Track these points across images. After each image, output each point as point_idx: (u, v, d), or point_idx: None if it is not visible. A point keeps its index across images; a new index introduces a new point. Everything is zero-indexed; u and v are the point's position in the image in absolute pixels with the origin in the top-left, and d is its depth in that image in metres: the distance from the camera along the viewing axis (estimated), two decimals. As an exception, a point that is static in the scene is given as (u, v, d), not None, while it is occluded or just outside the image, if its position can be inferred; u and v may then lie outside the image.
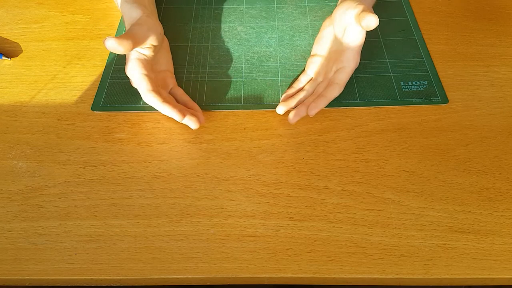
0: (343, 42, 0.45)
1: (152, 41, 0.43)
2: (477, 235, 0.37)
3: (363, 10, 0.40)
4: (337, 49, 0.46)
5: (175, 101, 0.44)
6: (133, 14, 0.44)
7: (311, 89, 0.46)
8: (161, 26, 0.46)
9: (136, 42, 0.41)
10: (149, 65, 0.44)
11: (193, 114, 0.43)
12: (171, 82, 0.47)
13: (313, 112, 0.43)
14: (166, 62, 0.48)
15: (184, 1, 0.59)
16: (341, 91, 0.45)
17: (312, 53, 0.49)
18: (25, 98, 0.48)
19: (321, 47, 0.48)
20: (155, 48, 0.44)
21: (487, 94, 0.47)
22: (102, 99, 0.48)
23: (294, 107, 0.45)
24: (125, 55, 0.45)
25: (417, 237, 0.37)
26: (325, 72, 0.46)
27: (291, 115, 0.44)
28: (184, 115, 0.42)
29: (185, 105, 0.45)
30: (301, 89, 0.47)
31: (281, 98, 0.46)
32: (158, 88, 0.44)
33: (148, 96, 0.42)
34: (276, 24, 0.55)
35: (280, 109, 0.45)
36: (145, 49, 0.43)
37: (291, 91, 0.47)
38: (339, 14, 0.44)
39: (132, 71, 0.43)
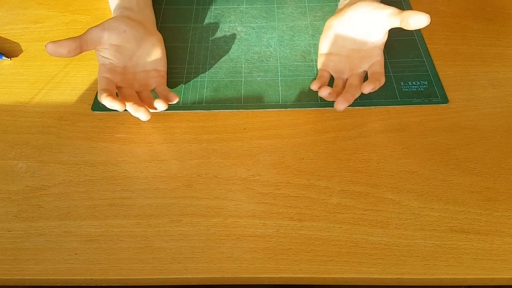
0: (367, 41, 0.45)
1: (109, 40, 0.43)
2: (477, 235, 0.37)
3: (400, 11, 0.41)
4: (359, 47, 0.46)
5: (136, 99, 0.44)
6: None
7: (341, 84, 0.46)
8: (134, 24, 0.45)
9: (85, 42, 0.41)
10: (115, 68, 0.44)
11: (142, 106, 0.42)
12: (155, 81, 0.46)
13: (368, 89, 0.41)
14: (151, 61, 0.46)
15: (184, 1, 0.59)
16: (384, 80, 0.43)
17: (322, 52, 0.48)
18: (25, 98, 0.48)
19: (335, 45, 0.47)
20: (120, 48, 0.44)
21: (487, 94, 0.47)
22: (102, 99, 0.48)
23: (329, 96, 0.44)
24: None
25: (417, 237, 0.37)
26: (350, 69, 0.46)
27: (338, 103, 0.42)
28: (124, 105, 0.41)
29: (165, 98, 0.44)
30: (323, 82, 0.46)
31: (314, 86, 0.45)
32: (113, 88, 0.43)
33: (99, 96, 0.41)
34: (276, 24, 0.55)
35: (325, 92, 0.43)
36: (105, 51, 0.43)
37: (318, 82, 0.45)
38: (362, 13, 0.44)
39: (98, 75, 0.43)
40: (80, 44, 0.41)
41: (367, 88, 0.42)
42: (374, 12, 0.43)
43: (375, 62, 0.44)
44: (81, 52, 0.41)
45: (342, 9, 0.48)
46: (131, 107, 0.42)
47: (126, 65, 0.45)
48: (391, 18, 0.42)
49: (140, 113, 0.42)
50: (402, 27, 0.41)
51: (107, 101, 0.40)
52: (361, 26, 0.45)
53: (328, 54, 0.47)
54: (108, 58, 0.44)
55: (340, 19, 0.46)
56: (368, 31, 0.45)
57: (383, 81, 0.43)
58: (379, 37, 0.44)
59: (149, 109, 0.43)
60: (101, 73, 0.43)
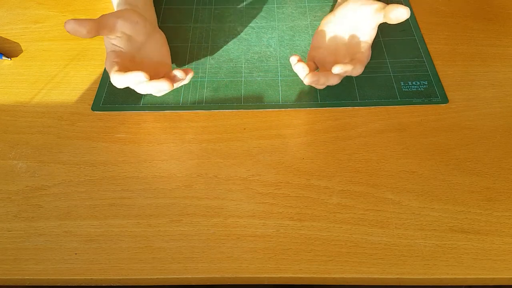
0: (355, 37, 0.45)
1: (122, 28, 0.42)
2: (477, 235, 0.37)
3: (386, 5, 0.41)
4: (348, 43, 0.46)
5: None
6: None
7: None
8: (143, 18, 0.45)
9: (102, 26, 0.40)
10: (125, 55, 0.43)
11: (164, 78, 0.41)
12: (163, 71, 0.45)
13: (337, 69, 0.41)
14: (159, 55, 0.47)
15: (184, 1, 0.59)
16: (362, 70, 0.43)
17: (313, 46, 0.48)
18: (25, 98, 0.48)
19: (324, 41, 0.48)
20: (131, 38, 0.44)
21: (487, 94, 0.47)
22: (102, 99, 0.48)
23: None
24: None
25: (417, 237, 0.37)
26: (334, 61, 0.46)
27: (308, 75, 0.43)
28: (150, 77, 0.40)
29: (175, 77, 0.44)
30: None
31: (294, 58, 0.45)
32: (124, 69, 0.42)
33: (114, 77, 0.40)
34: (276, 24, 0.55)
35: (299, 65, 0.44)
36: (117, 39, 0.43)
37: (300, 58, 0.46)
38: (349, 12, 0.45)
39: (106, 61, 0.42)
40: (98, 26, 0.40)
41: (336, 68, 0.41)
42: (361, 9, 0.44)
43: (358, 53, 0.44)
44: (96, 36, 0.40)
45: (336, 7, 0.48)
46: (155, 81, 0.40)
47: (135, 56, 0.44)
48: (376, 13, 0.42)
49: (162, 82, 0.40)
50: (386, 21, 0.41)
51: (119, 76, 0.39)
52: (350, 23, 0.45)
53: (317, 48, 0.48)
54: (119, 46, 0.43)
55: (332, 17, 0.47)
56: (357, 28, 0.45)
57: (356, 69, 0.42)
58: (368, 33, 0.45)
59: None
60: (111, 58, 0.42)
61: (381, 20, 0.42)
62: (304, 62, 0.44)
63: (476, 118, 0.45)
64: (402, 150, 0.43)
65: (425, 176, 0.41)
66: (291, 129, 0.45)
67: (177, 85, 0.43)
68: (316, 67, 0.47)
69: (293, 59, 0.44)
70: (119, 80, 0.39)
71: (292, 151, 0.43)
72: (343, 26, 0.46)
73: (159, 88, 0.41)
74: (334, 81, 0.44)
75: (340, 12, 0.46)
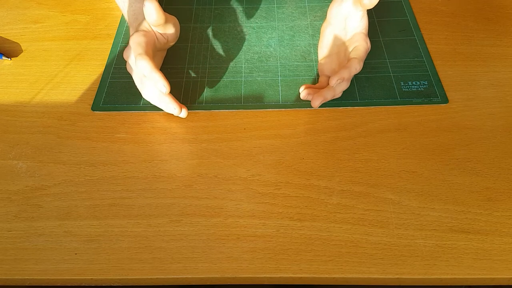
0: (347, 32, 0.46)
1: (170, 30, 0.45)
2: (477, 235, 0.37)
3: None
4: (344, 40, 0.47)
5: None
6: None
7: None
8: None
9: (166, 20, 0.43)
10: (153, 41, 0.44)
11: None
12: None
13: (333, 81, 0.42)
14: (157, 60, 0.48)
15: (184, 1, 0.59)
16: (361, 65, 0.44)
17: (320, 58, 0.49)
18: (25, 98, 0.48)
19: (327, 48, 0.48)
20: (164, 42, 0.46)
21: (487, 94, 0.47)
22: (102, 99, 0.48)
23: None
24: (124, 54, 0.45)
25: (417, 237, 0.37)
26: (339, 64, 0.47)
27: (313, 98, 0.44)
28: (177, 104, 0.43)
29: None
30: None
31: (301, 88, 0.47)
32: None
33: (143, 61, 0.40)
34: (276, 24, 0.55)
35: (303, 93, 0.46)
36: (159, 35, 0.45)
37: (307, 85, 0.47)
38: (335, 10, 0.46)
39: (138, 36, 0.42)
40: (165, 20, 0.43)
41: (333, 80, 0.42)
42: (343, 5, 0.45)
43: (354, 48, 0.45)
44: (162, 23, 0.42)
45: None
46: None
47: (155, 44, 0.46)
48: (355, 4, 0.44)
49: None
50: (365, 8, 0.43)
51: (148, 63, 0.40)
52: (340, 22, 0.46)
53: (323, 58, 0.49)
54: (155, 34, 0.45)
55: (325, 22, 0.49)
56: (348, 22, 0.46)
57: (354, 67, 0.43)
58: (358, 24, 0.45)
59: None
60: (143, 38, 0.42)
61: (361, 9, 0.43)
62: (310, 88, 0.46)
63: (476, 118, 0.45)
64: (402, 150, 0.43)
65: (425, 176, 0.41)
66: (291, 129, 0.45)
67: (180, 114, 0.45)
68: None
69: (301, 89, 0.46)
70: (145, 66, 0.40)
71: (292, 151, 0.43)
72: (336, 26, 0.47)
73: (169, 106, 0.43)
74: (331, 95, 0.45)
75: (329, 14, 0.47)
